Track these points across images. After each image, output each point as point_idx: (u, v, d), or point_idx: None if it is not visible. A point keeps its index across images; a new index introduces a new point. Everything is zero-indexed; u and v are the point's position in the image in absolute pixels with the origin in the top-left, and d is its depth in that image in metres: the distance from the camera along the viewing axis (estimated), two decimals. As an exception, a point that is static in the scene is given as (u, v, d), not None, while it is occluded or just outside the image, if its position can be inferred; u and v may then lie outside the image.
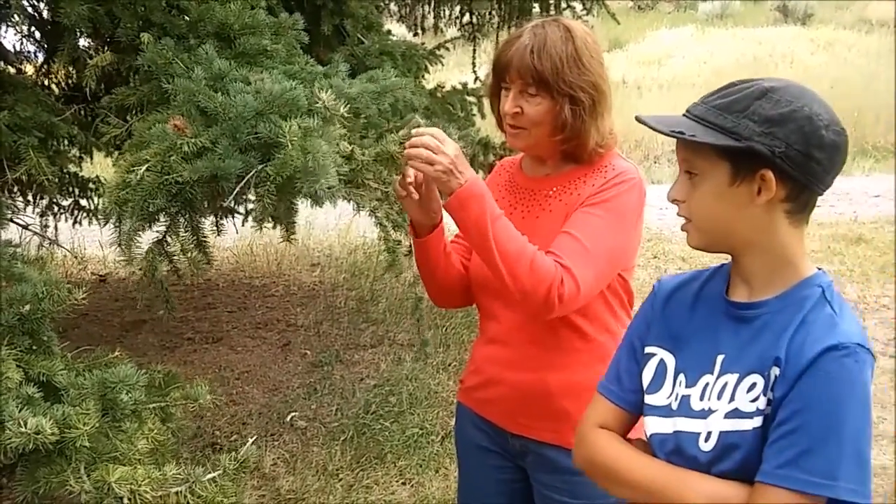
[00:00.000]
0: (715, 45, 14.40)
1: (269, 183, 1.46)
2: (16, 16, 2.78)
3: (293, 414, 3.67)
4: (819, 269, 1.12)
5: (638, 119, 1.16)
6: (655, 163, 9.14)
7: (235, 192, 1.53)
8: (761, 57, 12.95)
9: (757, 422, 1.05)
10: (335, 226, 6.39)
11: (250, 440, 1.56)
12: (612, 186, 1.52)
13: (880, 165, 8.92)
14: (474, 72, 4.89)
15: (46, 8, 2.96)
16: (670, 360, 1.18)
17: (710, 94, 1.10)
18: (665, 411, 1.16)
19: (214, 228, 2.04)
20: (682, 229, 1.15)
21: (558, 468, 1.59)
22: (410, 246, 2.03)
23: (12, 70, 3.72)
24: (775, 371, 1.04)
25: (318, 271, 5.94)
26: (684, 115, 1.11)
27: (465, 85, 4.07)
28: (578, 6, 4.96)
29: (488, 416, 1.69)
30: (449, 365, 4.12)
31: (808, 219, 1.10)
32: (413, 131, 1.49)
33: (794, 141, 1.03)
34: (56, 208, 4.40)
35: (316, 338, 4.66)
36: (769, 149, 1.03)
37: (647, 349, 1.22)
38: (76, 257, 5.63)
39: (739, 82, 1.09)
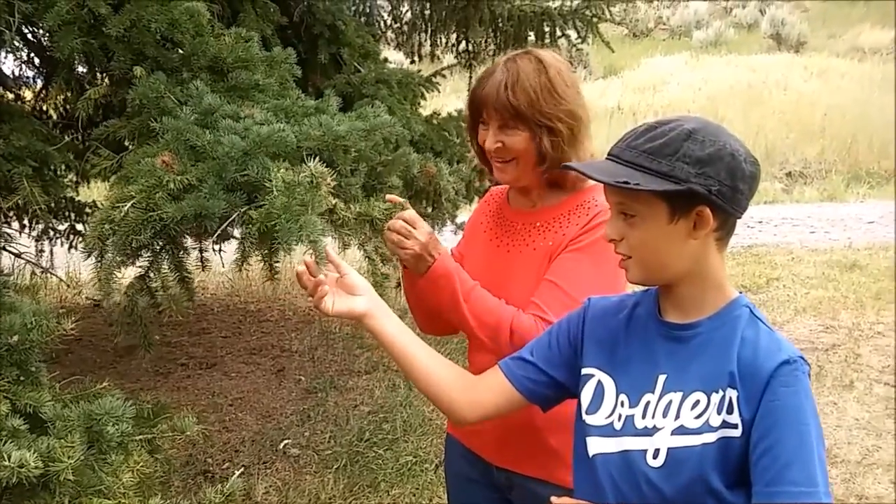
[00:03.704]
0: (709, 71, 14.52)
1: (251, 226, 1.47)
2: (15, 42, 2.81)
3: (286, 441, 3.66)
4: (740, 292, 1.20)
5: (567, 167, 1.24)
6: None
7: (218, 231, 1.55)
8: (755, 84, 13.06)
9: (708, 437, 1.11)
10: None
11: (237, 472, 1.55)
12: (594, 227, 1.52)
13: (874, 191, 8.97)
14: (470, 98, 4.92)
15: (45, 35, 2.99)
16: (608, 382, 1.23)
17: (635, 138, 1.14)
18: (608, 431, 1.20)
19: (199, 264, 2.06)
20: (621, 266, 1.21)
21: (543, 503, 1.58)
22: (399, 280, 2.04)
23: (10, 96, 3.75)
24: (731, 392, 1.10)
25: (313, 296, 5.93)
26: (611, 159, 1.16)
27: (460, 112, 4.10)
28: (573, 34, 5.02)
29: (474, 448, 1.70)
30: (443, 392, 4.10)
31: (728, 241, 1.18)
32: (391, 200, 1.55)
33: (724, 178, 1.10)
34: (52, 233, 4.40)
35: (310, 364, 4.65)
36: (706, 188, 1.09)
37: (585, 370, 1.26)
38: (69, 285, 5.62)
39: (658, 124, 1.15)
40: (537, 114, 1.50)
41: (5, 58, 3.79)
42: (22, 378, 1.36)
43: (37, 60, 3.76)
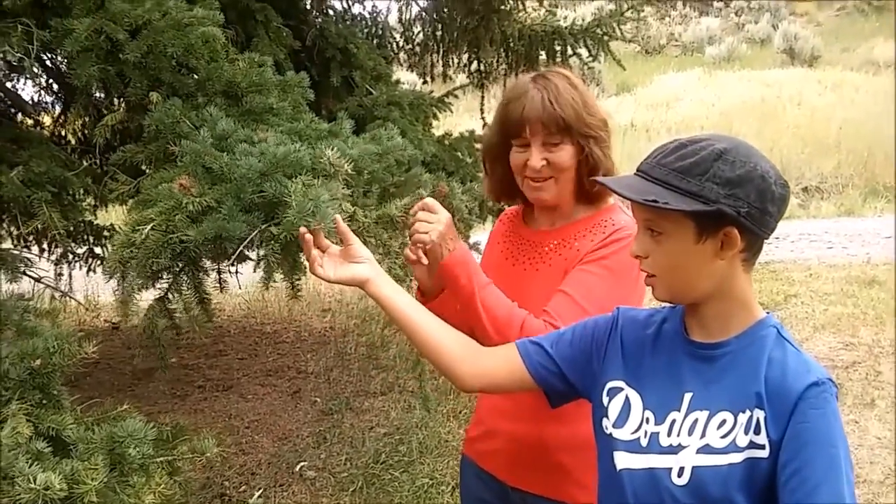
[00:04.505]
0: (722, 87, 14.51)
1: (273, 242, 1.49)
2: (34, 69, 2.86)
3: (302, 464, 3.65)
4: (767, 312, 1.20)
5: (595, 181, 1.25)
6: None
7: (238, 251, 1.56)
8: (769, 99, 13.03)
9: (734, 458, 1.10)
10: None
11: (256, 494, 1.55)
12: (610, 243, 1.53)
13: (891, 206, 8.88)
14: (483, 118, 4.96)
15: (63, 62, 3.05)
16: (635, 398, 1.23)
17: (665, 155, 1.14)
18: (634, 446, 1.19)
19: (217, 285, 2.08)
20: (647, 283, 1.21)
21: None
22: (413, 297, 2.04)
23: (30, 121, 3.81)
24: (759, 413, 1.10)
25: (328, 317, 5.96)
26: (640, 175, 1.16)
27: (472, 132, 4.12)
28: (584, 52, 5.04)
29: (488, 468, 1.69)
30: (459, 413, 4.09)
31: (755, 261, 1.18)
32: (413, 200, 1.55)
33: (754, 200, 1.10)
34: (71, 256, 4.45)
35: (326, 385, 4.65)
36: (734, 209, 1.09)
37: (613, 383, 1.26)
38: (87, 309, 5.67)
39: (689, 142, 1.14)
40: (583, 125, 1.52)
41: (24, 84, 3.87)
42: (44, 401, 1.38)
43: (55, 86, 3.83)
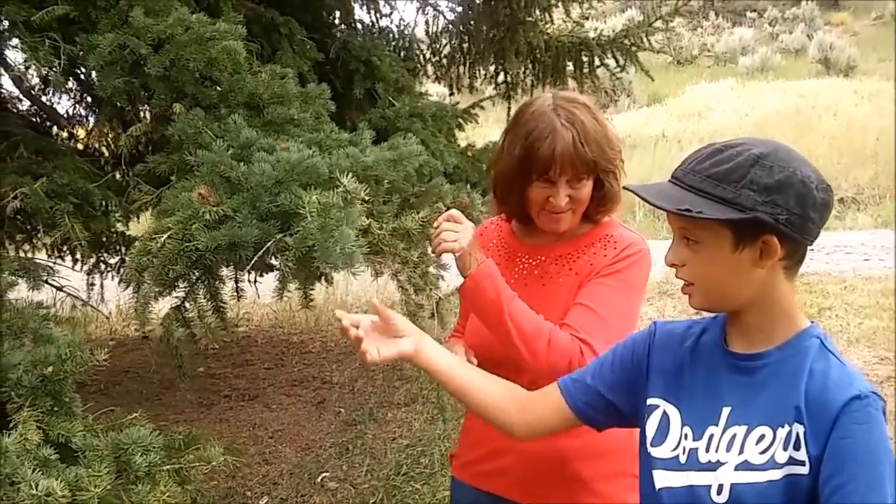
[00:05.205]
0: (756, 97, 14.31)
1: (288, 253, 1.50)
2: (67, 83, 2.92)
3: (324, 474, 3.65)
4: (811, 322, 1.15)
5: (627, 188, 1.22)
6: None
7: (254, 260, 1.57)
8: (804, 109, 12.82)
9: (773, 475, 1.06)
10: (373, 280, 6.43)
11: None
12: (624, 258, 1.55)
13: (931, 217, 8.68)
14: (508, 130, 4.95)
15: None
16: (674, 413, 1.19)
17: (700, 161, 1.10)
18: (673, 464, 1.16)
19: (235, 294, 2.10)
20: (684, 292, 1.16)
21: None
22: (433, 310, 2.03)
23: (65, 134, 3.90)
24: (798, 428, 1.05)
25: (355, 327, 5.96)
26: (673, 182, 1.12)
27: (494, 143, 4.11)
28: (612, 63, 5.01)
29: (494, 490, 1.65)
30: (483, 424, 4.06)
31: (798, 269, 1.13)
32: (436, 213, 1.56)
33: (793, 206, 1.05)
34: (103, 266, 4.52)
35: (350, 395, 4.66)
36: (773, 217, 1.05)
37: (650, 401, 1.22)
38: (107, 318, 5.74)
39: (725, 147, 1.10)
40: (606, 161, 1.53)
41: (60, 98, 3.96)
42: (56, 408, 1.39)
43: (89, 99, 3.91)
